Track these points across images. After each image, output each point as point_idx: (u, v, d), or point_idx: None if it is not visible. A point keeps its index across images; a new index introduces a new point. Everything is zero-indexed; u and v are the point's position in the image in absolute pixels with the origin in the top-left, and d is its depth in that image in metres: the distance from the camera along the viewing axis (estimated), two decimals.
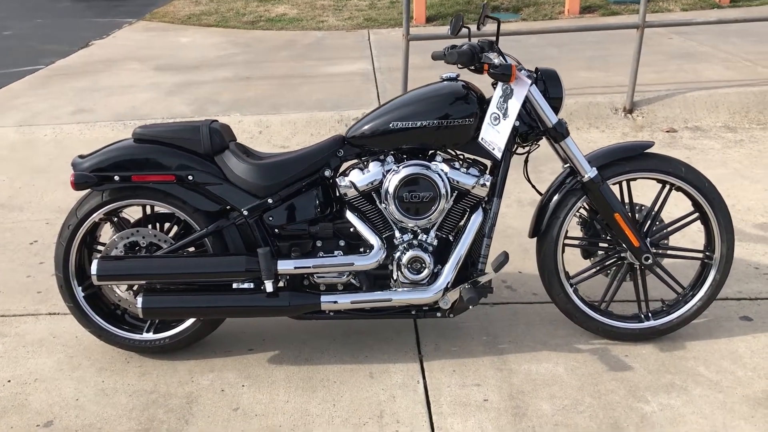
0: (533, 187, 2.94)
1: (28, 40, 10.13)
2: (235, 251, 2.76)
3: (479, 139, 2.71)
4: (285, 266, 2.68)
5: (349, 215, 2.76)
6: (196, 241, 2.77)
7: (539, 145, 2.84)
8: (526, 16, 9.77)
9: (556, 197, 2.86)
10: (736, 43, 7.50)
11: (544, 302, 3.18)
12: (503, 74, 2.57)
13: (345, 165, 2.84)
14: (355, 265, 2.70)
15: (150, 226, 2.87)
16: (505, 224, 4.00)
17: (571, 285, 2.94)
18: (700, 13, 9.28)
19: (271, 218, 2.75)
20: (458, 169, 2.72)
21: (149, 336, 2.86)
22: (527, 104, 2.70)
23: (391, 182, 2.67)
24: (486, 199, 2.76)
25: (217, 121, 2.86)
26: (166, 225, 2.94)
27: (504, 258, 2.73)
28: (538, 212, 2.90)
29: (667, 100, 5.85)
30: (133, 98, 6.64)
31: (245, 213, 2.73)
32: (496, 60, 2.58)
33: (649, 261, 2.83)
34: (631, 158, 2.82)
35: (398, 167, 2.68)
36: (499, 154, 2.66)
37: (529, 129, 2.74)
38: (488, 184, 2.72)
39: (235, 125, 5.82)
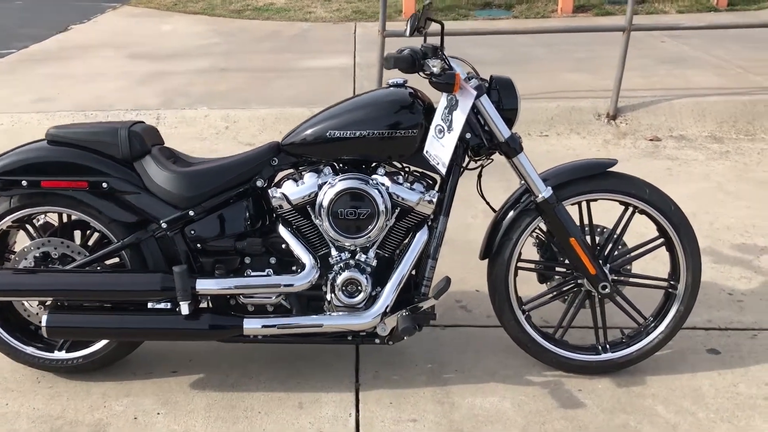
0: (487, 203, 2.71)
1: (5, 23, 9.86)
2: (154, 267, 2.53)
3: (424, 152, 2.47)
4: (205, 286, 2.45)
5: (282, 230, 2.52)
6: (112, 255, 2.54)
7: (492, 160, 2.61)
8: (518, 13, 9.51)
9: (509, 216, 2.63)
10: (730, 49, 7.25)
11: (499, 326, 2.94)
12: (446, 83, 2.33)
13: (281, 174, 2.61)
14: (283, 287, 2.47)
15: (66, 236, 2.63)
16: (469, 237, 3.77)
17: (524, 311, 2.71)
18: (695, 17, 9.02)
19: (192, 232, 2.51)
20: (401, 184, 2.48)
21: (61, 355, 2.63)
22: (479, 116, 2.47)
23: (326, 196, 2.44)
24: (432, 216, 2.53)
25: (142, 122, 2.63)
26: (89, 234, 2.70)
27: (445, 284, 2.49)
28: (490, 232, 2.67)
29: (652, 106, 5.61)
30: (100, 87, 6.39)
31: (164, 225, 2.50)
32: (437, 68, 2.33)
33: (607, 290, 2.60)
34: (592, 177, 2.58)
35: (334, 180, 2.45)
36: (443, 170, 2.42)
37: (481, 142, 2.50)
38: (434, 200, 2.49)
39: (201, 119, 5.59)
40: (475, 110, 2.44)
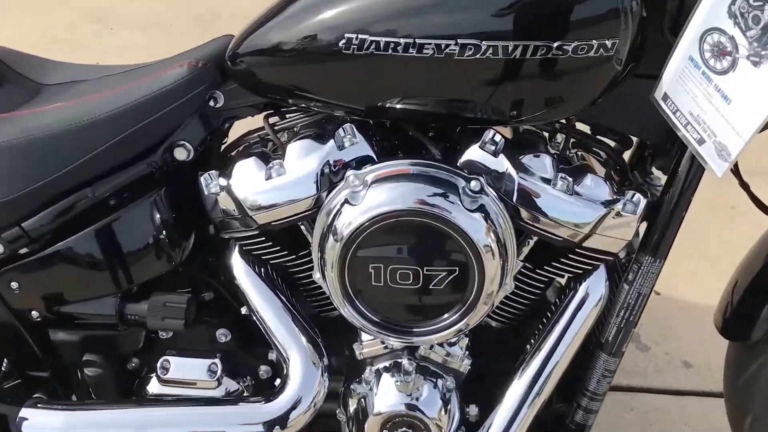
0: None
1: None
2: None
3: (655, 98, 0.84)
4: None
5: (238, 270, 1.01)
6: None
7: None
8: None
9: None
10: None
11: None
12: None
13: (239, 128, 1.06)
14: None
15: None
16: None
17: None
18: None
19: (15, 285, 1.02)
20: (549, 183, 0.90)
21: None
22: None
23: (339, 226, 0.88)
24: (624, 257, 0.99)
25: None
26: None
27: None
28: (749, 286, 1.09)
29: None
30: None
31: None
32: None
33: None
34: None
35: (360, 179, 0.88)
36: (720, 170, 0.78)
37: None
38: (636, 217, 0.91)
39: None
40: None
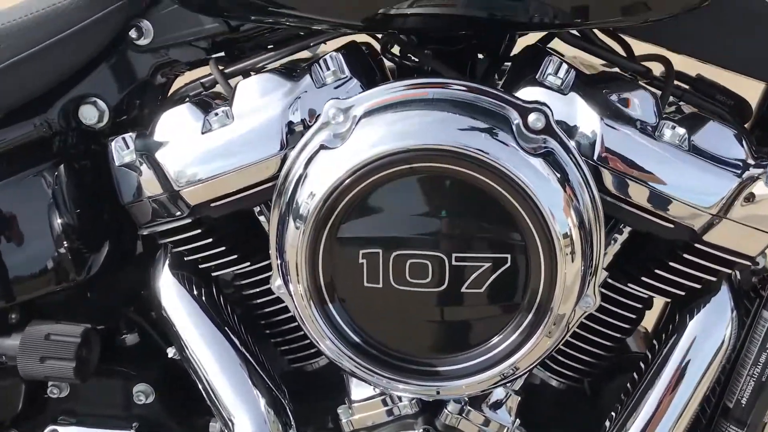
0: None
1: None
2: None
3: None
4: None
5: (166, 290, 0.66)
6: None
7: None
8: None
9: None
10: None
11: None
12: None
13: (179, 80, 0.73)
14: None
15: None
16: None
17: None
18: None
19: None
20: (652, 134, 0.56)
21: None
22: None
23: (306, 193, 0.53)
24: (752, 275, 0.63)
25: None
26: None
27: None
28: None
29: None
30: None
31: None
32: None
33: None
34: None
35: (346, 109, 0.54)
36: None
37: None
38: None
39: None
40: None
